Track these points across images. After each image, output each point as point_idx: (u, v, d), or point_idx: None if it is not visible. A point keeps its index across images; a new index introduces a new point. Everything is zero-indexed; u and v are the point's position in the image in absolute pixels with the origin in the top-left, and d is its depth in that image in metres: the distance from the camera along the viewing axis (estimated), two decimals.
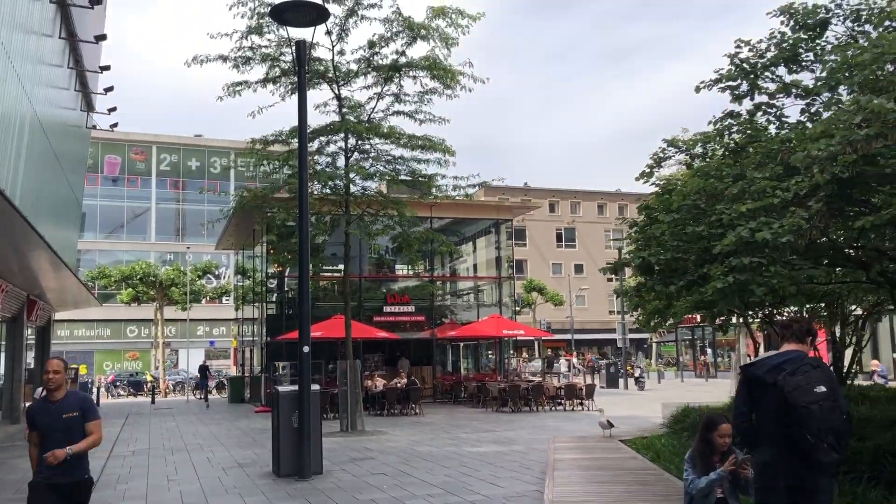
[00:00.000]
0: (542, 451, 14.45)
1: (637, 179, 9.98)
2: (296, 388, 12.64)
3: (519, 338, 39.48)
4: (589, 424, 19.69)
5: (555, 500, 6.88)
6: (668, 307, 11.23)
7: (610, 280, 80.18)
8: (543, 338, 52.13)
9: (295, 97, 18.68)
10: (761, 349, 20.46)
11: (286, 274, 31.72)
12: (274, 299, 33.11)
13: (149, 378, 44.17)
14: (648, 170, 9.68)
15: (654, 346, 62.98)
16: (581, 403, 25.53)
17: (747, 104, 8.62)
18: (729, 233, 5.84)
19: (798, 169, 6.20)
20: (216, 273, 55.31)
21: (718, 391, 32.57)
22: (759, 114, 8.27)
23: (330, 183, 19.75)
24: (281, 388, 12.93)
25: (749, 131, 8.30)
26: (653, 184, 10.16)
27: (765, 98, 8.12)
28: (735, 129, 8.37)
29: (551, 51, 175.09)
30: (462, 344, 38.72)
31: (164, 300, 46.52)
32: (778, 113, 8.20)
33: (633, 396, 31.58)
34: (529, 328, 35.55)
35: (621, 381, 38.95)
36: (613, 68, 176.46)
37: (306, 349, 12.60)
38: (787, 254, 5.98)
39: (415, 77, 19.15)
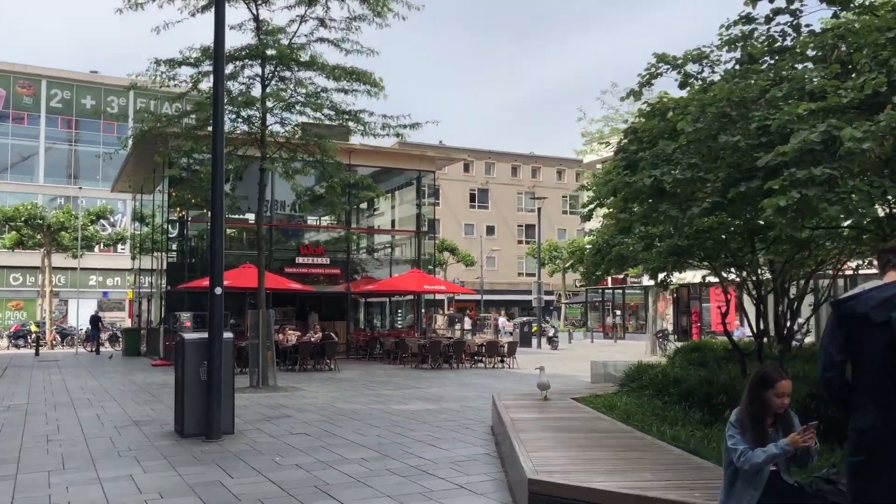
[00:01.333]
0: (479, 410, 13.28)
1: (623, 99, 8.80)
2: (204, 335, 10.92)
3: (438, 294, 38.27)
4: (516, 382, 18.72)
5: (538, 469, 5.58)
6: (649, 248, 10.11)
7: (520, 242, 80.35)
8: (463, 295, 51.13)
9: (207, 15, 16.57)
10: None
11: (188, 219, 29.36)
12: (174, 247, 30.67)
13: (34, 329, 40.72)
14: (638, 88, 8.45)
15: (562, 307, 63.28)
16: (502, 361, 24.61)
17: (764, 6, 7.51)
18: (793, 137, 4.61)
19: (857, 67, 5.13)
20: (111, 220, 51.62)
21: (633, 351, 32.38)
22: (776, 23, 7.10)
23: (244, 114, 17.73)
24: (187, 336, 11.17)
25: (770, 39, 7.11)
26: (642, 105, 8.93)
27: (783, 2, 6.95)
28: (759, 33, 7.15)
29: (472, 20, 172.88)
30: (376, 300, 37.26)
31: (53, 246, 42.91)
32: (795, 22, 7.05)
33: (548, 356, 30.95)
34: (451, 284, 34.41)
35: (534, 340, 38.46)
36: (528, 39, 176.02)
37: (218, 291, 10.88)
38: (859, 165, 4.85)
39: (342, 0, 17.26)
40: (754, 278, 15.44)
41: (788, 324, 14.34)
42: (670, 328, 43.35)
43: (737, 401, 8.81)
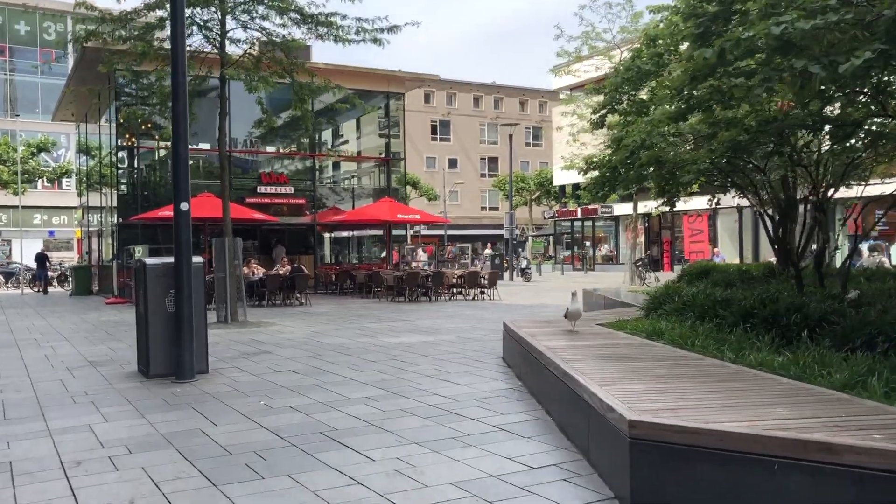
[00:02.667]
0: (480, 341, 11.94)
1: None
2: (169, 259, 9.26)
3: (413, 223, 36.67)
4: (506, 312, 17.44)
5: (635, 406, 4.20)
6: (712, 137, 8.62)
7: (483, 176, 78.65)
8: (428, 230, 49.39)
9: None
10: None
11: (138, 147, 27.11)
12: (125, 179, 28.40)
13: None
14: None
15: (528, 240, 62.18)
16: (482, 292, 23.33)
17: None
18: None
19: None
20: (53, 154, 48.53)
21: (609, 281, 31.48)
22: None
23: (200, 19, 15.64)
24: (149, 261, 9.50)
25: None
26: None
27: None
28: None
29: None
30: (343, 234, 35.53)
31: None
32: None
33: (524, 288, 29.84)
34: (426, 213, 32.77)
35: (506, 273, 37.31)
36: None
37: (185, 206, 9.19)
38: None
39: None
40: (771, 196, 14.21)
41: (812, 245, 13.17)
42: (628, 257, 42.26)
43: (813, 320, 7.63)
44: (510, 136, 38.24)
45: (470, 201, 76.17)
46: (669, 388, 5.13)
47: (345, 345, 11.91)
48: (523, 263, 37.10)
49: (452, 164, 76.16)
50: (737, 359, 6.39)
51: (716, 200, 15.34)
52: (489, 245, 53.21)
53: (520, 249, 48.57)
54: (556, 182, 51.70)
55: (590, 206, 45.68)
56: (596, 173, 13.87)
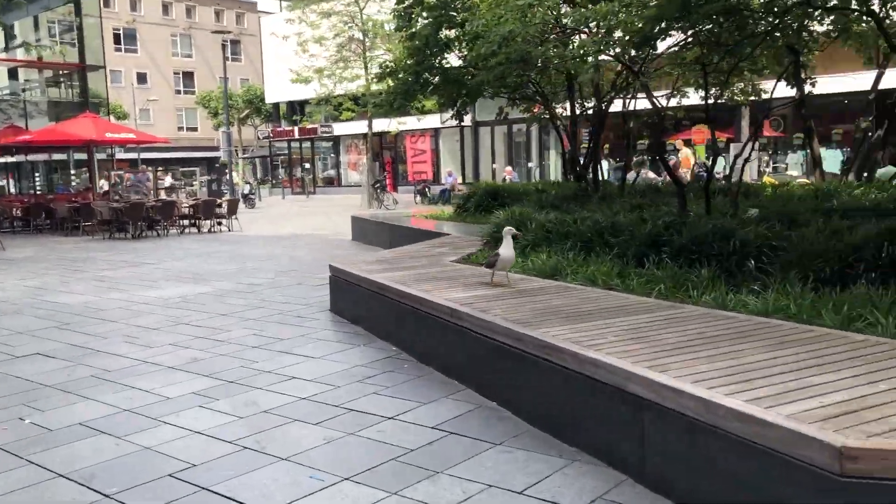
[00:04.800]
0: (278, 288, 9.64)
1: None
2: None
3: (127, 144, 31.31)
4: (262, 246, 15.05)
5: (795, 416, 2.58)
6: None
7: (179, 93, 71.59)
8: (132, 150, 42.99)
9: None
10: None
11: None
12: None
13: None
14: None
15: (240, 163, 57.81)
16: (220, 223, 20.36)
17: None
18: None
19: None
20: None
21: (346, 204, 29.81)
22: None
23: None
24: None
25: None
26: None
27: None
28: None
29: None
30: (22, 159, 29.38)
31: None
32: None
33: (258, 215, 27.10)
34: (143, 133, 28.06)
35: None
36: None
37: None
38: None
39: None
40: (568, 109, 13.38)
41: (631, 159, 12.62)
42: (363, 179, 41.03)
43: (752, 247, 6.58)
44: (223, 45, 34.22)
45: (165, 121, 69.02)
46: (740, 367, 3.56)
47: (93, 304, 8.86)
48: (246, 188, 33.92)
49: (142, 78, 68.19)
50: (719, 300, 5.07)
51: (504, 114, 14.26)
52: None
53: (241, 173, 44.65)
54: (269, 100, 48.06)
55: (309, 126, 43.17)
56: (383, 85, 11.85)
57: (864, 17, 7.74)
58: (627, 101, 11.90)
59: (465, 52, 12.20)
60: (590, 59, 7.44)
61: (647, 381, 3.42)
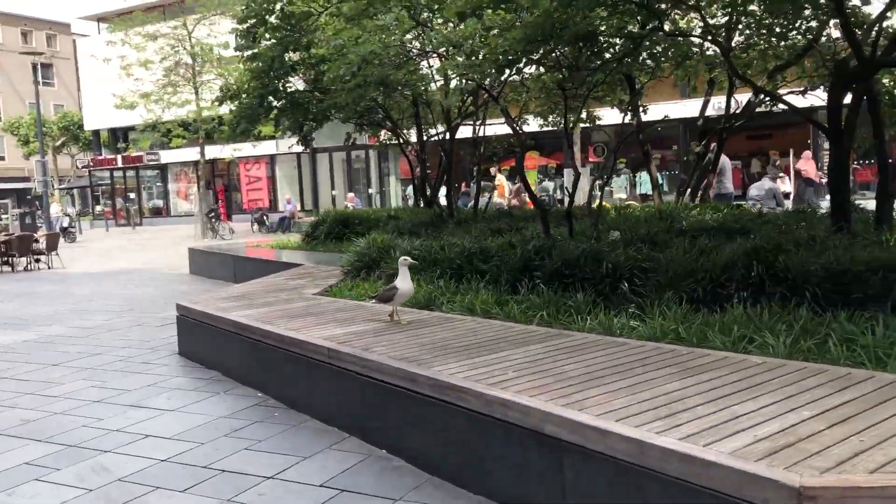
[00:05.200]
0: (117, 331, 8.72)
1: None
2: None
3: None
4: (91, 283, 13.78)
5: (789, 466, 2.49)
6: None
7: None
8: None
9: None
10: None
11: None
12: None
13: None
14: None
15: (56, 193, 53.32)
16: (38, 260, 18.50)
17: None
18: None
19: None
20: None
21: (177, 235, 28.20)
22: None
23: None
24: None
25: None
26: None
27: None
28: None
29: None
30: None
31: None
32: None
33: (80, 250, 25.00)
34: None
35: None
36: None
37: None
38: None
39: None
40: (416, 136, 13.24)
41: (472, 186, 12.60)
42: (195, 208, 39.06)
43: (623, 269, 6.55)
44: (34, 68, 31.50)
45: None
46: (656, 398, 3.41)
47: None
48: (65, 221, 31.22)
49: None
50: (606, 326, 4.96)
51: (353, 140, 13.89)
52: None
53: (66, 205, 41.04)
54: (88, 126, 44.80)
55: (133, 154, 40.64)
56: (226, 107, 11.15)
57: (709, 46, 8.17)
58: (477, 126, 11.92)
59: (312, 76, 11.76)
60: (453, 83, 7.28)
61: (567, 422, 3.17)
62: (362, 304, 6.58)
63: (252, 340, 5.85)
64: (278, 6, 10.56)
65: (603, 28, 6.82)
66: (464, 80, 7.04)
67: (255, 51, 11.43)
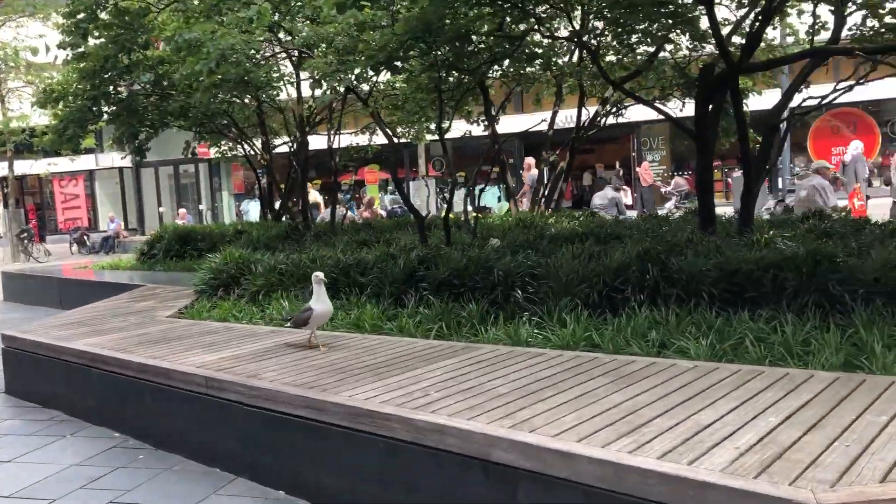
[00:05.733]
0: None
1: None
2: None
3: None
4: None
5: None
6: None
7: None
8: None
9: None
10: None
11: None
12: None
13: None
14: None
15: None
16: None
17: None
18: None
19: None
20: None
21: None
22: None
23: None
24: None
25: None
26: None
27: None
28: None
29: None
30: None
31: None
32: None
33: None
34: None
35: None
36: None
37: None
38: None
39: None
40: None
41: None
42: (4, 229, 35.40)
43: (515, 277, 6.21)
44: None
45: None
46: (608, 412, 3.11)
47: None
48: None
49: None
50: (513, 336, 4.64)
51: (192, 149, 12.87)
52: None
53: None
54: None
55: None
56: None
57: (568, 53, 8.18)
58: (332, 135, 11.38)
59: (151, 78, 10.72)
60: (318, 91, 6.78)
61: (521, 446, 2.79)
62: (231, 326, 5.89)
63: (104, 372, 5.02)
64: (111, 0, 9.49)
65: (483, 28, 6.59)
66: (332, 82, 6.56)
67: (83, 49, 10.26)
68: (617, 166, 24.79)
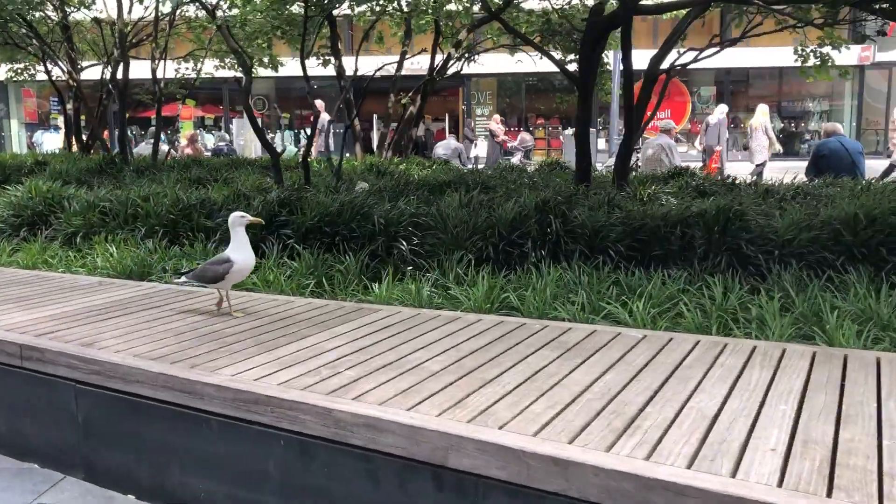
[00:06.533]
0: None
1: None
2: None
3: None
4: None
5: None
6: None
7: None
8: None
9: None
10: None
11: None
12: None
13: None
14: None
15: None
16: None
17: None
18: None
19: None
20: None
21: None
22: None
23: None
24: None
25: None
26: None
27: None
28: None
29: None
30: None
31: None
32: None
33: None
34: None
35: None
36: None
37: None
38: None
39: None
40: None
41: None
42: None
43: (396, 226, 5.39)
44: None
45: None
46: (577, 392, 2.51)
47: None
48: None
49: None
50: (414, 296, 3.92)
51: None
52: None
53: None
54: None
55: None
56: None
57: None
58: (156, 60, 9.88)
59: None
60: None
61: (495, 450, 2.11)
62: (45, 276, 4.71)
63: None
64: None
65: None
66: None
67: None
68: (427, 119, 24.32)
